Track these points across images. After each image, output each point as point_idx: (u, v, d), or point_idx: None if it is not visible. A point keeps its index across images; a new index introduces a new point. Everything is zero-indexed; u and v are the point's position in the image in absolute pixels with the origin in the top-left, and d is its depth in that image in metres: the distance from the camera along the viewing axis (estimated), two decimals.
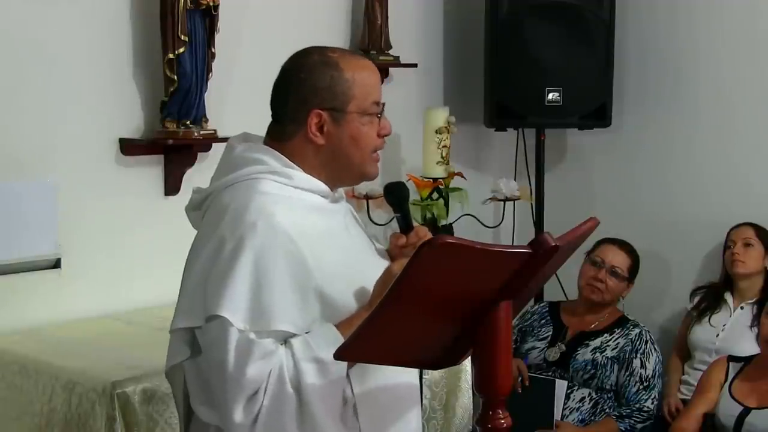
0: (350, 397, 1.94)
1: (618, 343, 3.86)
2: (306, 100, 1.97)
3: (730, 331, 4.05)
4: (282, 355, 1.84)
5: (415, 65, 4.39)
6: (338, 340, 1.83)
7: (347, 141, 1.98)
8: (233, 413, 1.83)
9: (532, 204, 4.60)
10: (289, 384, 1.84)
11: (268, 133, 2.04)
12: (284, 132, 2.00)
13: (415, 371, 2.09)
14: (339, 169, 2.01)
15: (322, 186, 2.01)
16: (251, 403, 1.83)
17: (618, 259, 4.00)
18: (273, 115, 2.04)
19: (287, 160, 1.98)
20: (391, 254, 2.11)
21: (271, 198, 1.92)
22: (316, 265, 1.90)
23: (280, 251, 1.87)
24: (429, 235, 1.99)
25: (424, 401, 2.21)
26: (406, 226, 2.04)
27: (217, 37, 3.52)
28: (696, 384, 3.76)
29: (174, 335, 1.97)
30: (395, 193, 2.10)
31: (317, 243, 1.92)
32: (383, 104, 2.03)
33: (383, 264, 2.00)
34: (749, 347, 3.74)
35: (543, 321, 4.06)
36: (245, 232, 1.87)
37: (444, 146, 4.22)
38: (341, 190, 2.12)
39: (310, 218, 1.95)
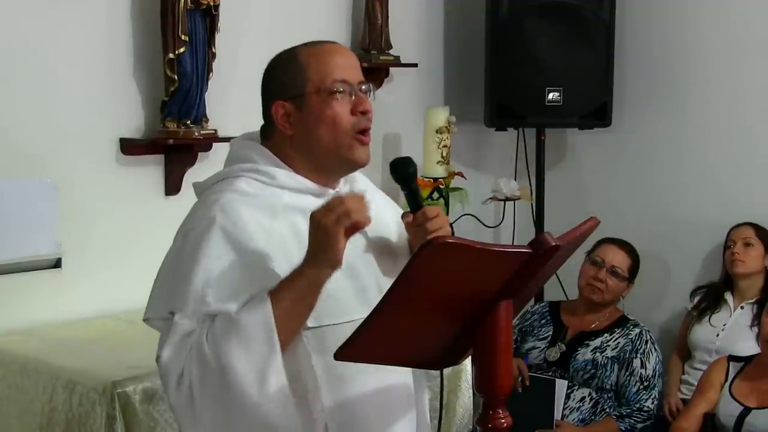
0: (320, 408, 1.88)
1: (618, 342, 3.86)
2: (270, 95, 1.98)
3: (730, 330, 4.05)
4: (203, 329, 1.81)
5: (416, 65, 4.39)
6: (262, 300, 1.79)
7: (312, 123, 1.94)
8: (170, 398, 1.84)
9: (532, 204, 4.60)
10: (207, 347, 1.78)
11: (260, 132, 2.04)
12: (266, 130, 2.01)
13: (407, 373, 2.01)
14: (317, 156, 1.95)
15: (308, 184, 1.96)
16: (181, 382, 1.81)
17: (618, 259, 4.00)
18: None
19: (276, 158, 1.97)
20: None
21: (243, 197, 1.90)
22: (281, 268, 1.85)
23: (233, 246, 1.85)
24: (439, 215, 1.93)
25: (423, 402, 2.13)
26: (414, 205, 1.96)
27: (218, 37, 3.52)
28: (696, 384, 3.77)
29: (150, 324, 1.97)
30: (399, 170, 2.01)
31: (287, 244, 1.87)
32: (367, 85, 1.98)
33: (372, 271, 1.96)
34: (749, 347, 3.75)
35: (543, 321, 4.06)
36: (203, 227, 1.87)
37: (444, 146, 4.22)
38: (346, 188, 2.03)
39: (288, 218, 1.91)
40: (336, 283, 1.85)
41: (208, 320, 1.82)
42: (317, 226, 1.78)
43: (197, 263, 1.84)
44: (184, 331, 1.82)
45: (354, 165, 1.98)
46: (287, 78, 1.96)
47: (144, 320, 1.96)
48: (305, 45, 2.00)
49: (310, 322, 1.86)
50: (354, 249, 1.90)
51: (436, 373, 2.03)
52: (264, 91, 2.01)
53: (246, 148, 2.01)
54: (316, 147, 1.95)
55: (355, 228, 1.80)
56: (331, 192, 1.98)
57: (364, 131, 1.95)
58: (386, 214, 2.10)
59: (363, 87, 1.97)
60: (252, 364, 1.77)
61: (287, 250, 1.87)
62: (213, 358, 1.78)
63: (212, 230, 1.86)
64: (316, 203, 1.89)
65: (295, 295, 1.80)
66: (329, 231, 1.77)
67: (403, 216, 1.99)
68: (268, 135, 2.01)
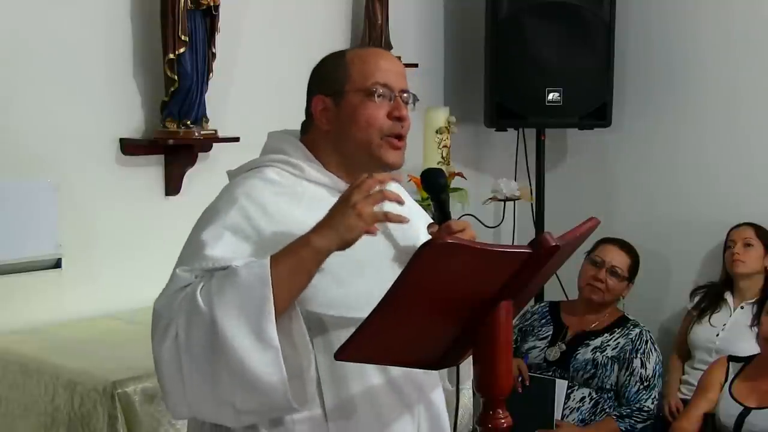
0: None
1: (618, 342, 3.86)
2: (312, 90, 2.02)
3: (730, 330, 4.06)
4: (199, 282, 1.80)
5: (416, 65, 4.38)
6: (262, 266, 1.76)
7: (347, 120, 1.96)
8: (154, 346, 1.80)
9: (532, 204, 4.60)
10: (200, 297, 1.76)
11: (300, 128, 2.07)
12: (305, 125, 2.04)
13: (414, 371, 1.99)
14: (348, 153, 1.97)
15: (337, 181, 1.98)
16: (168, 330, 1.78)
17: (618, 259, 4.00)
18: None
19: (308, 152, 1.99)
20: None
21: (270, 185, 1.93)
22: None
23: (250, 225, 1.86)
24: (466, 230, 1.93)
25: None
26: (441, 216, 1.97)
27: (218, 37, 3.52)
28: (696, 384, 3.77)
29: None
30: (430, 180, 2.03)
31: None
32: (410, 94, 1.99)
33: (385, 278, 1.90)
34: (749, 347, 3.74)
35: (543, 321, 4.06)
36: (225, 205, 1.90)
37: (444, 146, 4.22)
38: None
39: (311, 211, 1.89)
40: (349, 281, 1.86)
41: (207, 276, 1.81)
42: (346, 201, 1.78)
43: (209, 227, 1.86)
44: (181, 283, 1.82)
45: (384, 166, 1.97)
46: (330, 75, 1.99)
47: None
48: (355, 47, 2.03)
49: (315, 308, 1.84)
50: (377, 252, 1.93)
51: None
52: (308, 87, 2.04)
53: (281, 140, 2.04)
54: (348, 144, 1.97)
55: (383, 217, 1.80)
56: None
57: (398, 137, 1.97)
58: (417, 222, 2.09)
59: (404, 95, 1.99)
60: (243, 317, 1.74)
61: None
62: (204, 307, 1.75)
63: (233, 208, 1.88)
64: None
65: (296, 262, 1.78)
66: (359, 210, 1.77)
67: (429, 227, 2.00)
68: (306, 130, 2.04)
